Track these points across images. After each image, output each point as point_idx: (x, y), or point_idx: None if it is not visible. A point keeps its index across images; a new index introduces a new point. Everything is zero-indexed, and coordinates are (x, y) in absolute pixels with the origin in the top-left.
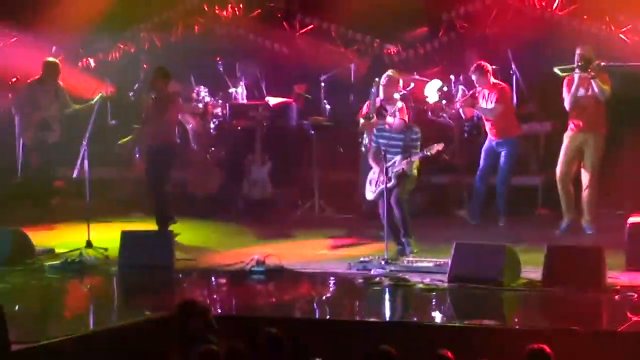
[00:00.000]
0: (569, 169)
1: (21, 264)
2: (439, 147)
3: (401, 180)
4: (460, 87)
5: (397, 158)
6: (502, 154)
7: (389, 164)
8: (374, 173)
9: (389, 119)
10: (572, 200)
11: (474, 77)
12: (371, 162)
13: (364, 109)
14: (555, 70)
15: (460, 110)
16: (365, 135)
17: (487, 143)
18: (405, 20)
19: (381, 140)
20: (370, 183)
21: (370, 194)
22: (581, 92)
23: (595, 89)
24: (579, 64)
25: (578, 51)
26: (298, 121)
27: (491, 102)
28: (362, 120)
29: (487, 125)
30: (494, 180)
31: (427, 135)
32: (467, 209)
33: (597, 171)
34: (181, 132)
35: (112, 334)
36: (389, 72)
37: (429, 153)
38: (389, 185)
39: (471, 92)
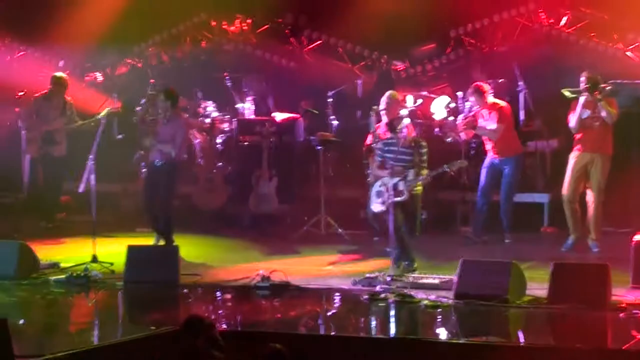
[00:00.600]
0: (575, 188)
1: (26, 278)
2: (461, 164)
3: (412, 198)
4: (467, 103)
5: (410, 172)
6: (505, 171)
7: (400, 178)
8: (380, 186)
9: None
10: (578, 218)
11: (472, 99)
12: (377, 174)
13: (368, 140)
14: (564, 92)
15: (462, 134)
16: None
17: (487, 160)
18: (413, 36)
19: (388, 155)
20: (377, 195)
21: (378, 206)
22: (587, 113)
23: (602, 112)
24: (586, 86)
25: (585, 74)
26: (305, 137)
27: (492, 122)
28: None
29: (489, 145)
30: (496, 198)
31: (434, 152)
32: (471, 227)
33: (603, 190)
34: (188, 148)
35: (117, 349)
36: (388, 93)
37: (449, 169)
38: (401, 198)
39: (471, 114)
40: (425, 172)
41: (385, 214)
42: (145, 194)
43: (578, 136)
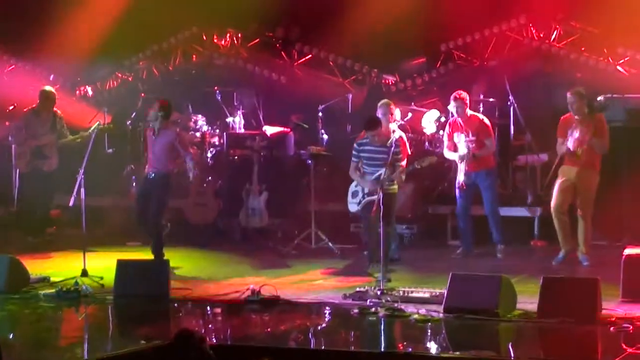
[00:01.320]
0: (563, 201)
1: (16, 292)
2: (431, 159)
3: (388, 197)
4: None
5: (383, 171)
6: (482, 187)
7: (375, 176)
8: (355, 186)
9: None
10: (567, 232)
11: (454, 105)
12: (352, 175)
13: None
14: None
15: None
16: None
17: (461, 176)
18: (403, 50)
19: (363, 154)
20: (353, 195)
21: (354, 205)
22: (578, 134)
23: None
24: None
25: (570, 96)
26: (295, 151)
27: (470, 134)
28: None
29: None
30: (475, 211)
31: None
32: (461, 243)
33: (592, 204)
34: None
35: None
36: (384, 102)
37: (419, 166)
38: (375, 197)
39: (469, 153)
40: (398, 170)
41: (362, 214)
42: (138, 206)
43: (568, 151)
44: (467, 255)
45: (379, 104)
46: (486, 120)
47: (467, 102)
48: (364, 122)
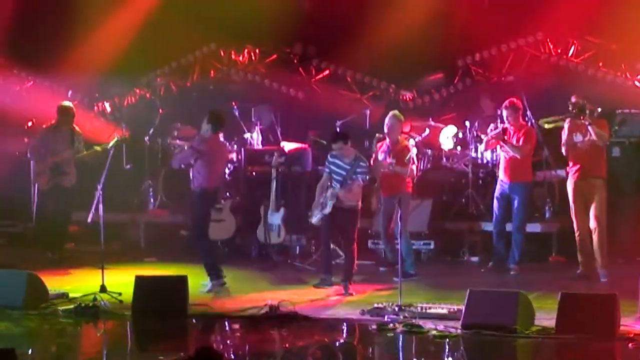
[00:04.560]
0: (584, 216)
1: (35, 308)
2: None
3: (342, 212)
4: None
5: (336, 186)
6: (516, 200)
7: (329, 191)
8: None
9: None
10: (589, 250)
11: (505, 113)
12: (318, 187)
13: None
14: (541, 123)
15: (484, 143)
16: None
17: (499, 189)
18: (421, 66)
19: (332, 167)
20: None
21: (313, 218)
22: (579, 137)
23: (593, 135)
24: (573, 111)
25: (572, 99)
26: (313, 167)
27: (517, 142)
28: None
29: (502, 166)
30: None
31: (442, 181)
32: (493, 254)
33: (604, 215)
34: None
35: None
36: (391, 113)
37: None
38: (325, 211)
39: (502, 127)
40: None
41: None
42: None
43: (572, 162)
44: (498, 270)
45: (388, 116)
46: (532, 129)
47: (520, 108)
48: (331, 135)
